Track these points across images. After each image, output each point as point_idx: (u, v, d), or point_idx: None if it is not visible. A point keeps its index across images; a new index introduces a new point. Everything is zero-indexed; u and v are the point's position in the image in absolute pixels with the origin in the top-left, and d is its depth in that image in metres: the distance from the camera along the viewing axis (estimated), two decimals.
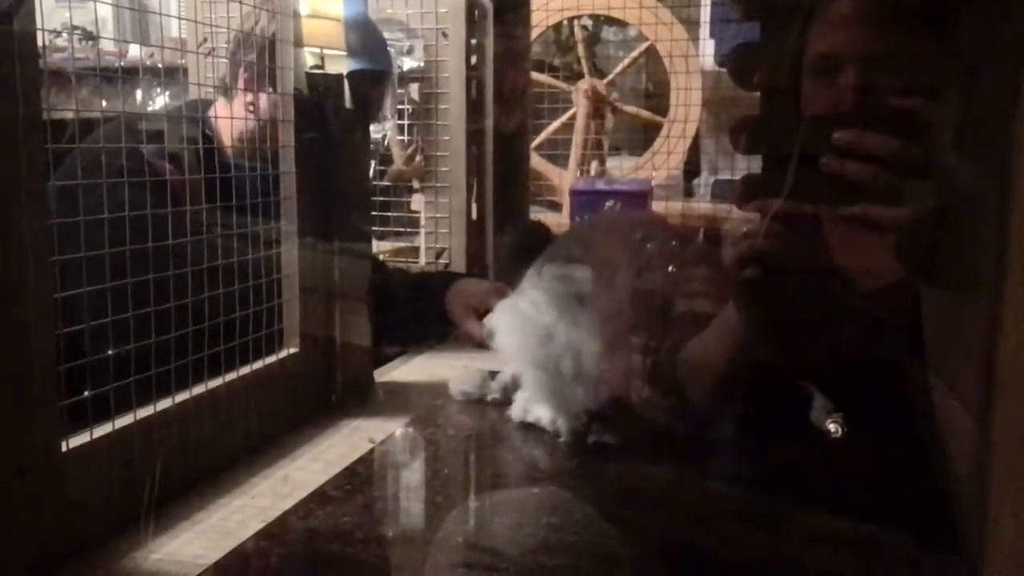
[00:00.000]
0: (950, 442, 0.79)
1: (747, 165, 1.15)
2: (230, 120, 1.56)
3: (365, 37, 1.78)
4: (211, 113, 1.62)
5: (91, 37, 2.24)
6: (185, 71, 1.72)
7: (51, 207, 0.86)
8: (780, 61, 1.00)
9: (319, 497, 0.95)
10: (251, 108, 1.56)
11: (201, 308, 1.06)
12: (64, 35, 2.29)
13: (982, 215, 0.68)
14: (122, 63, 1.38)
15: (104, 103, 1.03)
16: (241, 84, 1.56)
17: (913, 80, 0.92)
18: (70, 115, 0.95)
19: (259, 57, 1.35)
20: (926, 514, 0.81)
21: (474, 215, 2.04)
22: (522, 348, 1.16)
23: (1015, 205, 0.53)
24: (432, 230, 2.04)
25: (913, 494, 0.89)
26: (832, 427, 0.96)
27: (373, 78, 1.77)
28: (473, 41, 1.98)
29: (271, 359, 1.18)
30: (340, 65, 1.58)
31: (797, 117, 0.99)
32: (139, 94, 1.54)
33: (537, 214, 2.56)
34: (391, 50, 1.95)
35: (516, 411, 1.21)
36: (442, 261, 2.03)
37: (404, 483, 1.05)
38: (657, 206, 2.42)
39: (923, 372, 0.85)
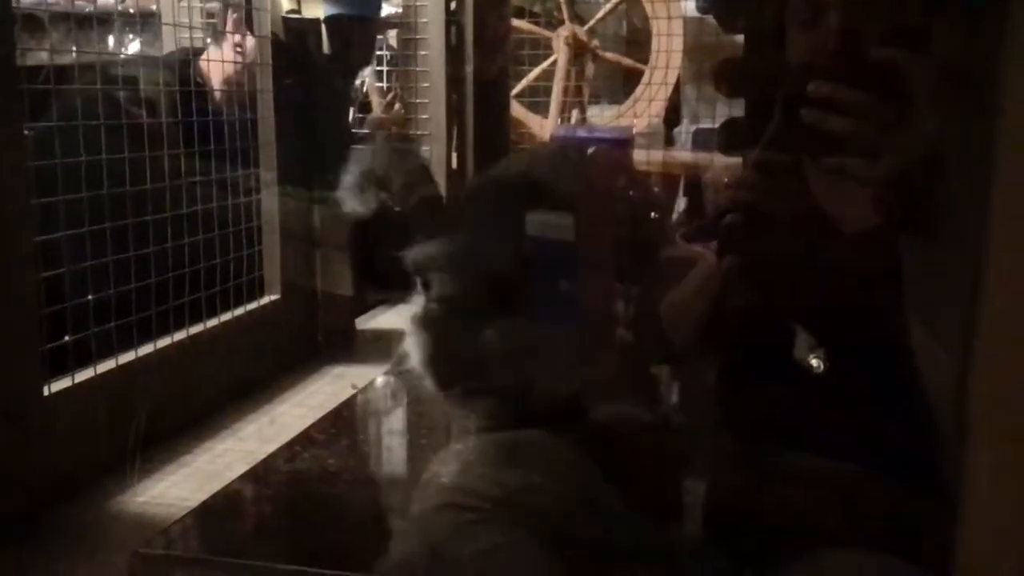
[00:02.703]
0: (930, 383, 0.80)
1: (729, 113, 1.14)
2: (220, 64, 1.52)
3: None
4: (204, 58, 1.59)
5: None
6: (158, 16, 1.69)
7: (28, 150, 0.85)
8: (764, 3, 0.99)
9: (304, 440, 0.95)
10: (239, 49, 1.52)
11: (178, 254, 1.05)
12: None
13: (968, 162, 0.68)
14: (93, 8, 1.35)
15: (74, 49, 1.01)
16: (230, 27, 1.53)
17: (900, 24, 0.91)
18: (45, 62, 0.94)
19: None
20: (909, 455, 0.83)
21: (454, 164, 2.03)
22: None
23: (1000, 152, 0.54)
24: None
25: (896, 435, 0.90)
26: (815, 362, 0.97)
27: (355, 24, 1.74)
28: None
29: (252, 306, 1.18)
30: (317, 10, 1.55)
31: (780, 60, 0.98)
32: (111, 40, 1.50)
33: None
34: None
35: None
36: None
37: (388, 427, 1.06)
38: (638, 154, 2.41)
39: (904, 314, 0.86)
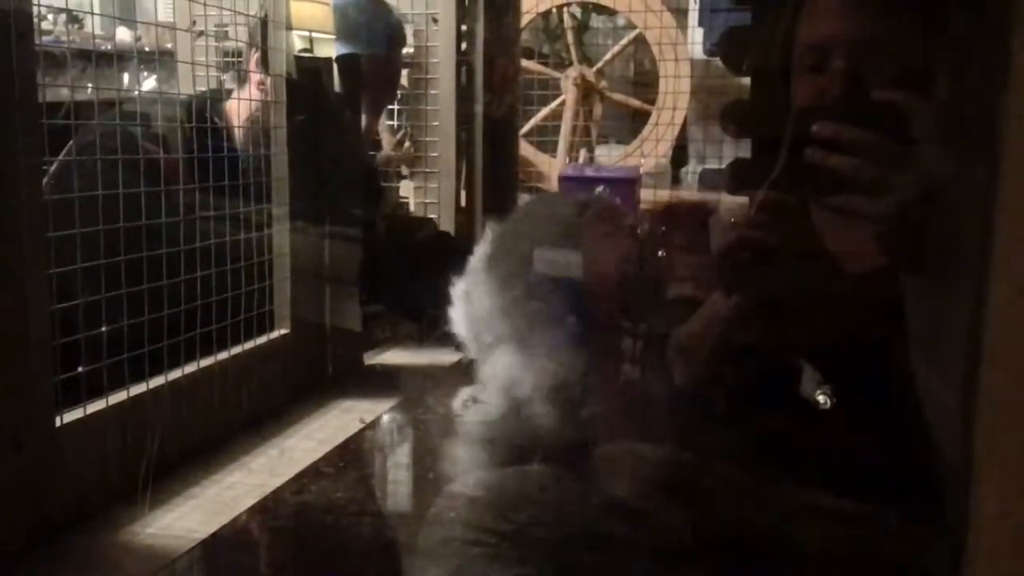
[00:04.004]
0: (934, 419, 0.81)
1: (735, 154, 1.16)
2: (247, 103, 1.53)
3: (357, 21, 1.78)
4: (232, 98, 1.60)
5: (76, 19, 2.22)
6: (172, 54, 1.71)
7: (46, 184, 0.86)
8: (770, 46, 1.01)
9: (312, 473, 0.96)
10: (262, 86, 1.54)
11: (190, 288, 1.06)
12: (49, 17, 2.28)
13: (967, 200, 0.69)
14: (110, 46, 1.37)
15: (90, 86, 1.03)
16: (253, 65, 1.55)
17: (903, 69, 0.93)
18: (65, 99, 0.96)
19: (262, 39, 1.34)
20: (912, 489, 0.83)
21: (463, 202, 2.05)
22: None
23: (999, 186, 0.55)
24: (420, 215, 2.04)
25: (899, 469, 0.90)
26: (821, 398, 0.97)
27: (368, 62, 1.76)
28: (463, 27, 1.98)
29: (262, 340, 1.19)
30: (330, 49, 1.57)
31: (786, 102, 0.99)
32: (126, 77, 1.53)
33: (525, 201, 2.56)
34: (388, 32, 1.92)
35: None
36: None
37: (395, 461, 1.06)
38: (645, 194, 2.43)
39: (906, 351, 0.86)
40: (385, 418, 1.19)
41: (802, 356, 0.99)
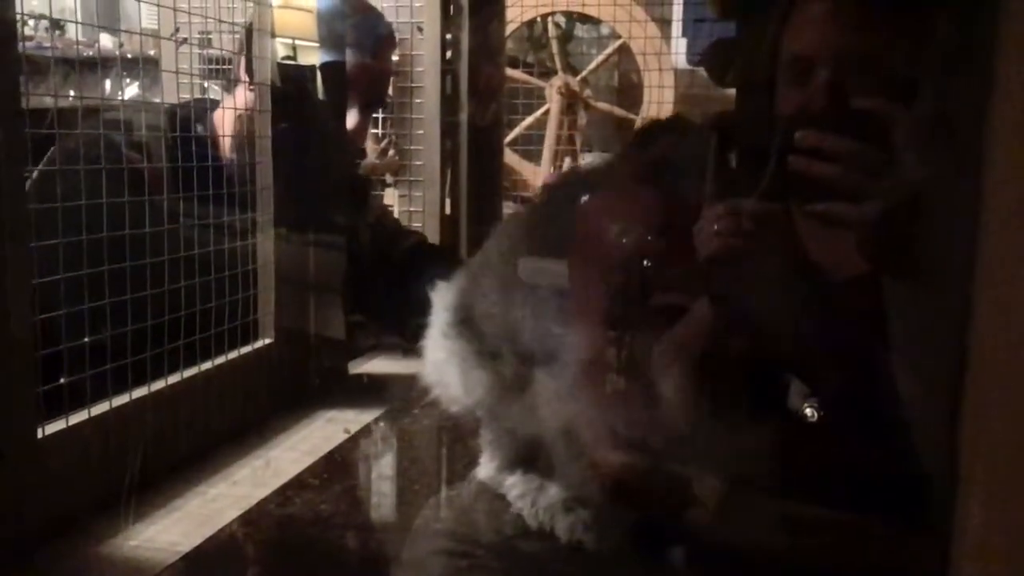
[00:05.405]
0: (916, 425, 0.81)
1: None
2: (233, 112, 1.52)
3: (343, 27, 1.77)
4: (219, 108, 1.59)
5: (58, 26, 2.21)
6: (156, 62, 1.70)
7: (28, 194, 0.85)
8: (756, 58, 1.02)
9: (297, 485, 0.95)
10: (251, 89, 1.52)
11: (173, 298, 1.05)
12: (30, 23, 2.26)
13: (952, 208, 0.69)
14: (92, 53, 1.36)
15: (72, 93, 1.02)
16: (242, 72, 1.54)
17: (887, 79, 0.94)
18: (48, 106, 0.95)
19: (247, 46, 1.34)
20: (900, 497, 0.83)
21: (448, 210, 2.04)
22: None
23: (988, 193, 0.55)
24: (405, 224, 2.04)
25: (885, 477, 0.91)
26: (808, 411, 0.97)
27: (352, 69, 1.76)
28: (448, 36, 1.98)
29: (246, 349, 1.18)
30: (313, 56, 1.57)
31: (771, 114, 1.00)
32: (108, 84, 1.52)
33: (510, 209, 2.56)
34: (375, 38, 1.92)
35: None
36: None
37: (381, 472, 1.06)
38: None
39: (889, 357, 0.87)
40: (370, 428, 1.19)
41: (787, 366, 1.00)
